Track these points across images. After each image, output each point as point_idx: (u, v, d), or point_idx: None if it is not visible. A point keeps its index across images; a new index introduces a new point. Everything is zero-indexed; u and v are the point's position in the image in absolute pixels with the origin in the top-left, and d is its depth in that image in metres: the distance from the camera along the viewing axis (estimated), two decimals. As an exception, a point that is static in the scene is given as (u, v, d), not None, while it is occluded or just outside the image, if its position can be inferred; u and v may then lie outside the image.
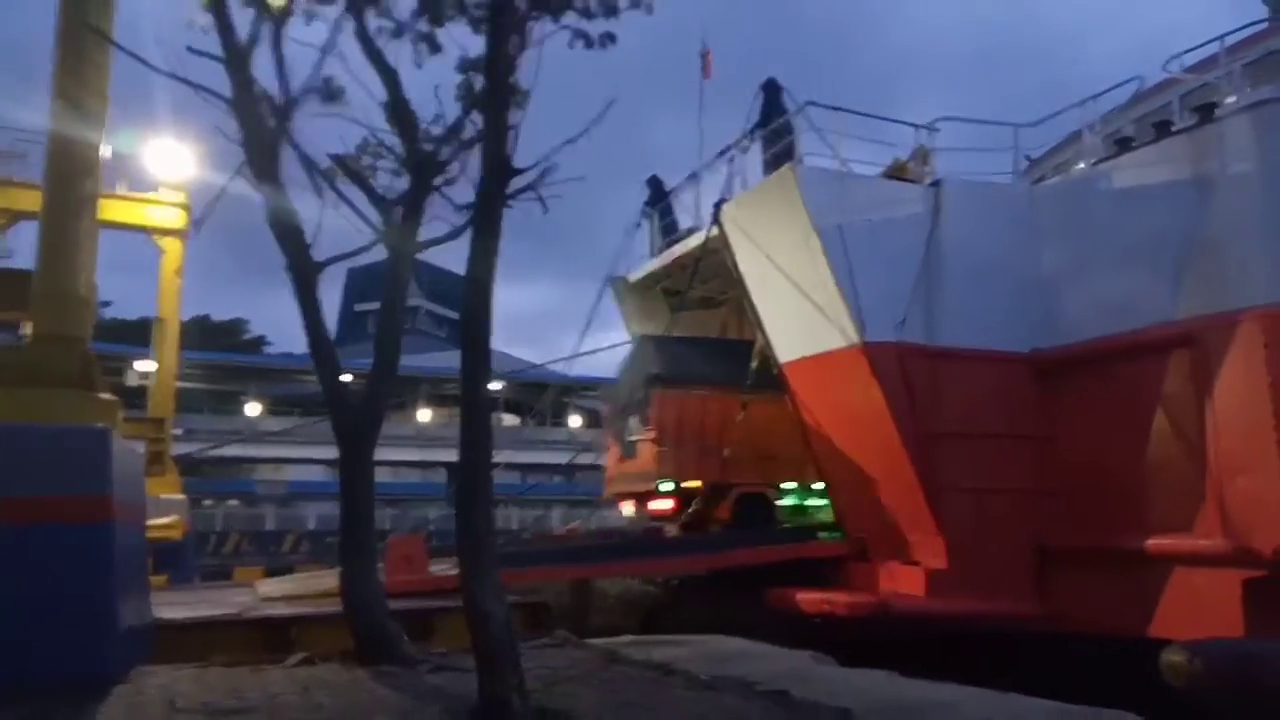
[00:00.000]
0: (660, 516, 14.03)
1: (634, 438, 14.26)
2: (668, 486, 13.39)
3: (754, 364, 13.20)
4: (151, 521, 10.54)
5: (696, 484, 13.22)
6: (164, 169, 19.53)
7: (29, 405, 7.13)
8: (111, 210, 17.44)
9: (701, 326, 15.67)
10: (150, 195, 19.58)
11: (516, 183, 5.73)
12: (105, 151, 8.33)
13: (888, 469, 11.14)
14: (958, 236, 11.29)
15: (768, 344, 12.55)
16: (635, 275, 16.13)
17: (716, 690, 5.99)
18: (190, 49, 6.26)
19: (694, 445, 13.28)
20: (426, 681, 6.24)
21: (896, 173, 12.30)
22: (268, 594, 11.52)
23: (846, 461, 11.74)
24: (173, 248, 19.98)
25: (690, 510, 13.15)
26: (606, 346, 16.57)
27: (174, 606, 9.38)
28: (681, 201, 15.47)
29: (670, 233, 15.67)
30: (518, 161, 5.74)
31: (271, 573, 18.50)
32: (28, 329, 7.98)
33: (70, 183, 7.50)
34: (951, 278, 11.17)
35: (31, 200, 16.56)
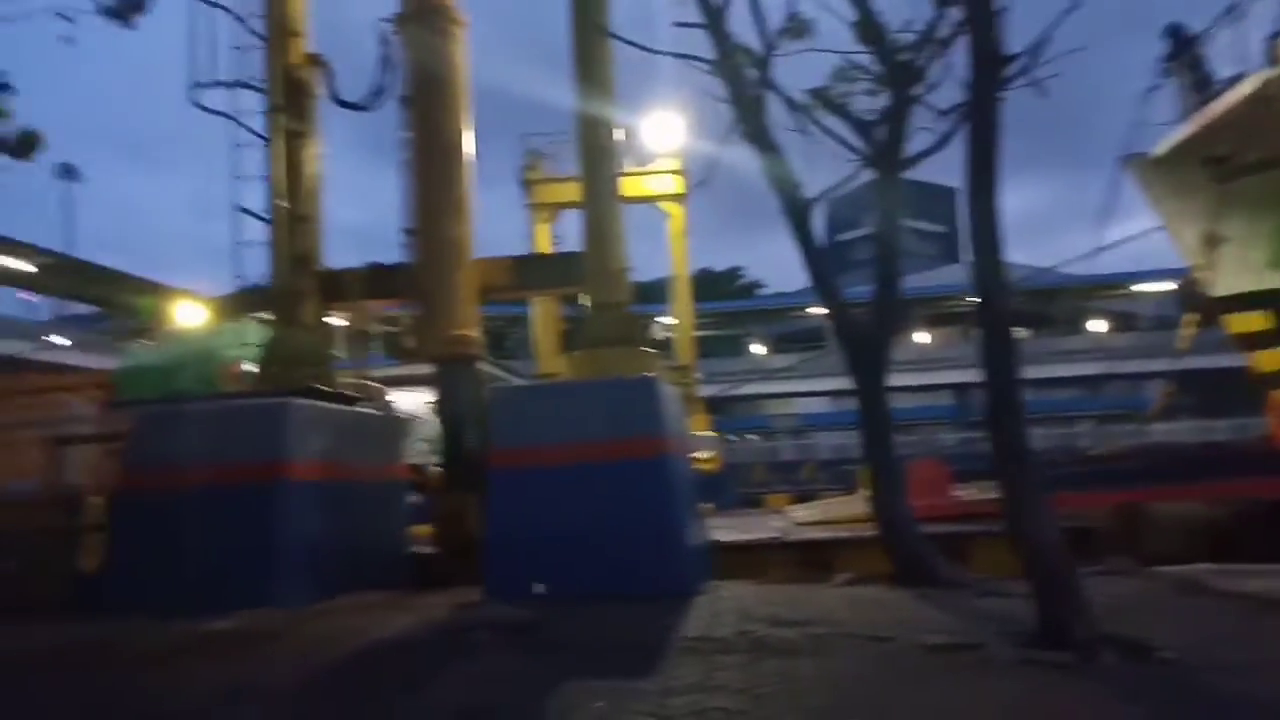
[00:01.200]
0: None
1: None
2: None
3: None
4: (693, 456, 11.92)
5: None
6: (659, 141, 21.61)
7: (594, 363, 8.48)
8: (623, 186, 19.77)
9: (1259, 195, 12.78)
10: (652, 167, 21.82)
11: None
12: (619, 136, 9.45)
13: None
14: None
15: None
16: (1160, 148, 13.73)
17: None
18: (677, 23, 6.76)
19: None
20: (974, 605, 6.12)
21: None
22: (800, 519, 12.34)
23: None
24: (676, 212, 22.10)
25: None
26: (1131, 237, 14.39)
27: (723, 530, 10.51)
28: (1217, 47, 12.72)
29: (1204, 88, 13.00)
30: (1005, 47, 5.23)
31: (796, 499, 19.77)
32: (584, 300, 9.45)
33: (598, 169, 8.68)
34: None
35: (567, 192, 19.57)
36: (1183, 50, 13.40)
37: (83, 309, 42.20)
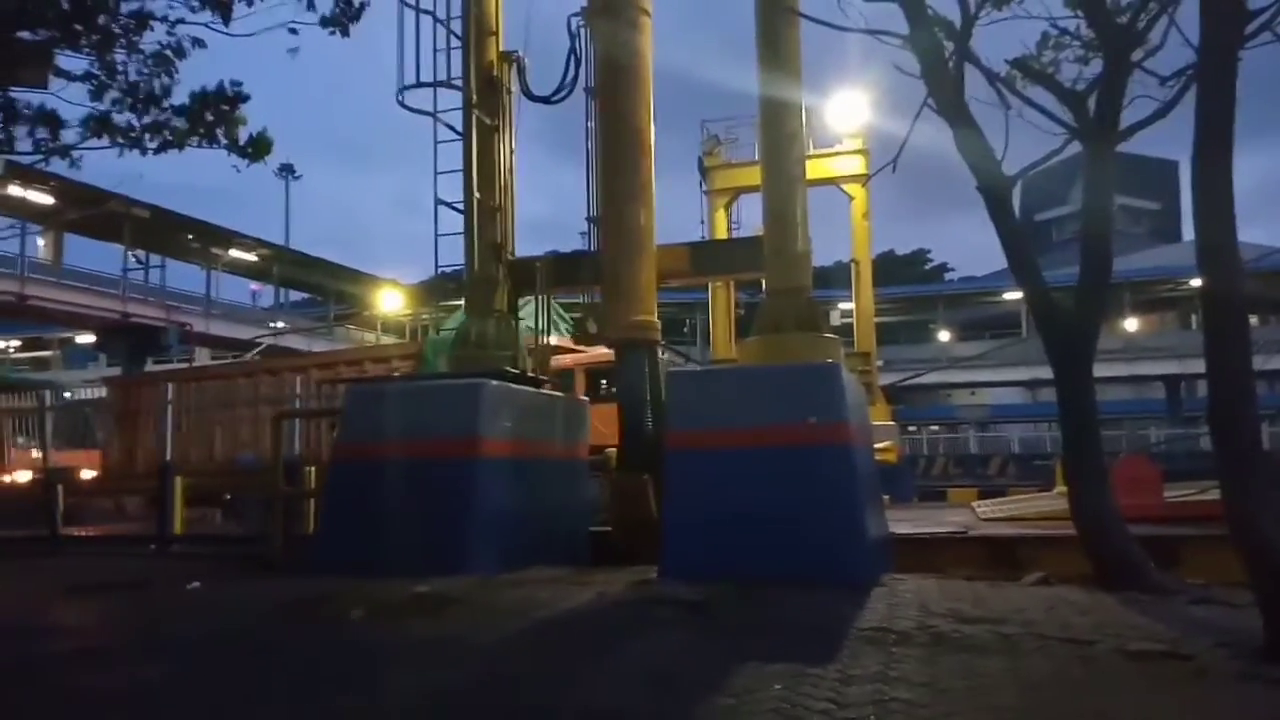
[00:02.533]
0: None
1: None
2: None
3: None
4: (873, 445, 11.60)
5: None
6: (843, 120, 21.10)
7: (772, 348, 8.42)
8: (807, 169, 19.48)
9: None
10: (835, 149, 21.35)
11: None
12: (803, 117, 9.30)
13: None
14: None
15: None
16: None
17: None
18: (866, -2, 6.56)
19: None
20: (1188, 613, 5.64)
21: None
22: (986, 514, 11.77)
23: None
24: (858, 193, 21.49)
25: None
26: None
27: (901, 523, 10.20)
28: None
29: None
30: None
31: (983, 495, 18.86)
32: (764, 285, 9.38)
33: (782, 152, 8.59)
34: None
35: (746, 176, 19.51)
36: None
37: (297, 296, 46.27)
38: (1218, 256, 4.65)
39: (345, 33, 8.87)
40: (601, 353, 13.69)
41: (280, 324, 37.55)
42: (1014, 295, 37.98)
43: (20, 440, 14.68)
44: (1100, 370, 7.66)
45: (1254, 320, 39.63)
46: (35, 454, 14.56)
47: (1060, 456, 9.62)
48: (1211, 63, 4.71)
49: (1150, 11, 6.38)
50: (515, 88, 10.37)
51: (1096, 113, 6.71)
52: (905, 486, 20.41)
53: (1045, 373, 7.32)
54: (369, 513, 8.15)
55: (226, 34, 8.76)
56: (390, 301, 37.95)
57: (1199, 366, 4.79)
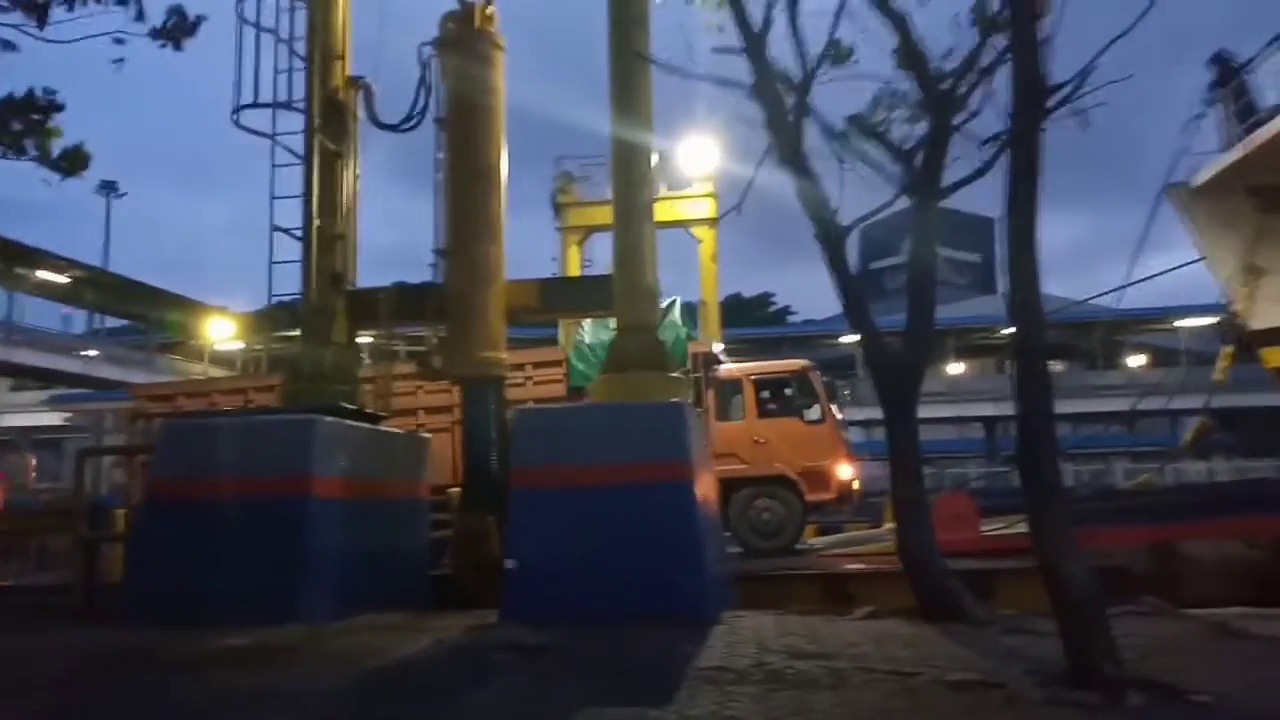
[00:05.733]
0: None
1: None
2: None
3: None
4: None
5: None
6: (694, 165, 21.67)
7: (621, 386, 8.45)
8: (655, 210, 19.83)
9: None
10: (685, 192, 21.86)
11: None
12: (654, 160, 9.48)
13: None
14: None
15: None
16: (1203, 177, 13.54)
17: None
18: (715, 49, 6.80)
19: None
20: (1000, 642, 6.00)
21: None
22: (822, 550, 12.22)
23: None
24: (707, 236, 22.06)
25: None
26: (1169, 269, 14.17)
27: (743, 560, 10.40)
28: (1265, 74, 12.64)
29: (1248, 116, 12.86)
30: (1049, 76, 5.23)
31: (821, 531, 19.51)
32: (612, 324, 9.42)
33: (633, 193, 8.71)
34: None
35: (599, 215, 19.66)
36: (1228, 79, 13.29)
37: (116, 323, 42.95)
38: (1024, 310, 5.03)
39: (178, 46, 8.34)
40: (777, 364, 13.15)
41: (93, 352, 34.68)
42: (850, 339, 39.91)
43: None
44: (926, 411, 8.09)
45: (1058, 366, 43.35)
46: None
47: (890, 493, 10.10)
48: (1019, 130, 5.14)
49: (970, 80, 6.92)
50: (362, 114, 10.07)
51: (922, 170, 7.19)
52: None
53: (878, 413, 7.69)
54: (187, 557, 7.56)
55: (40, 39, 8.05)
56: (220, 330, 35.75)
57: (1012, 409, 5.14)
